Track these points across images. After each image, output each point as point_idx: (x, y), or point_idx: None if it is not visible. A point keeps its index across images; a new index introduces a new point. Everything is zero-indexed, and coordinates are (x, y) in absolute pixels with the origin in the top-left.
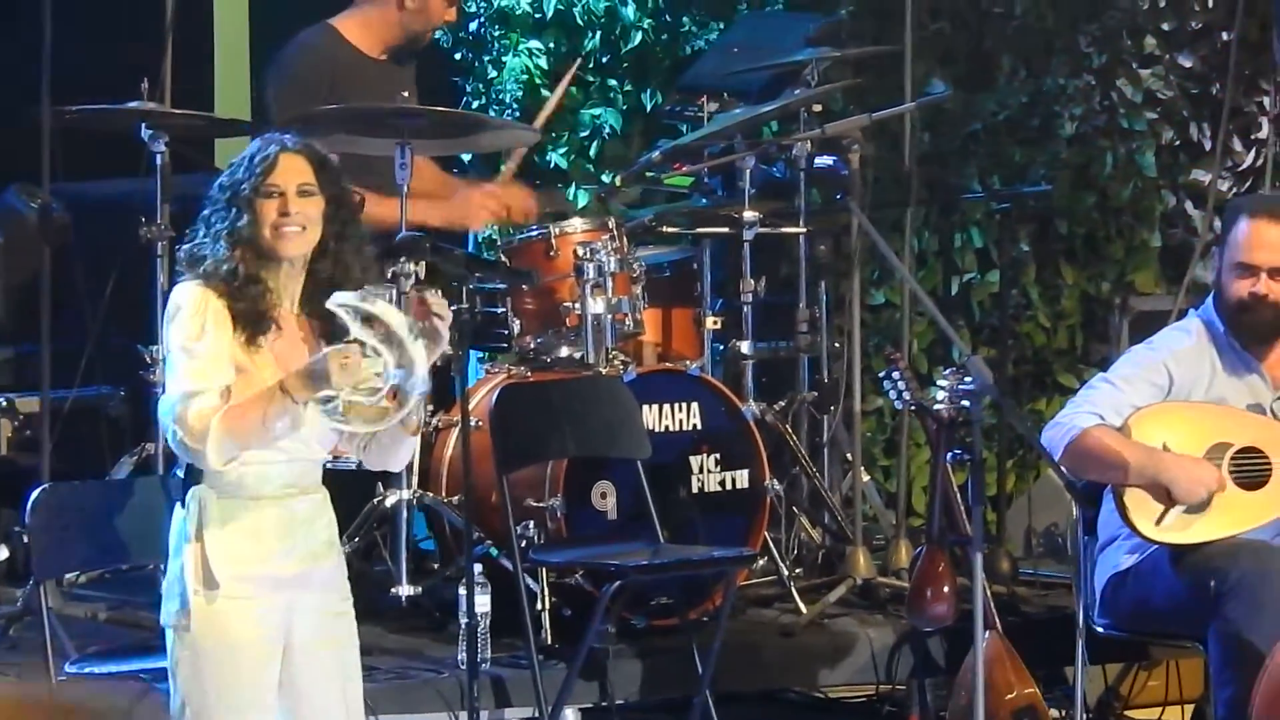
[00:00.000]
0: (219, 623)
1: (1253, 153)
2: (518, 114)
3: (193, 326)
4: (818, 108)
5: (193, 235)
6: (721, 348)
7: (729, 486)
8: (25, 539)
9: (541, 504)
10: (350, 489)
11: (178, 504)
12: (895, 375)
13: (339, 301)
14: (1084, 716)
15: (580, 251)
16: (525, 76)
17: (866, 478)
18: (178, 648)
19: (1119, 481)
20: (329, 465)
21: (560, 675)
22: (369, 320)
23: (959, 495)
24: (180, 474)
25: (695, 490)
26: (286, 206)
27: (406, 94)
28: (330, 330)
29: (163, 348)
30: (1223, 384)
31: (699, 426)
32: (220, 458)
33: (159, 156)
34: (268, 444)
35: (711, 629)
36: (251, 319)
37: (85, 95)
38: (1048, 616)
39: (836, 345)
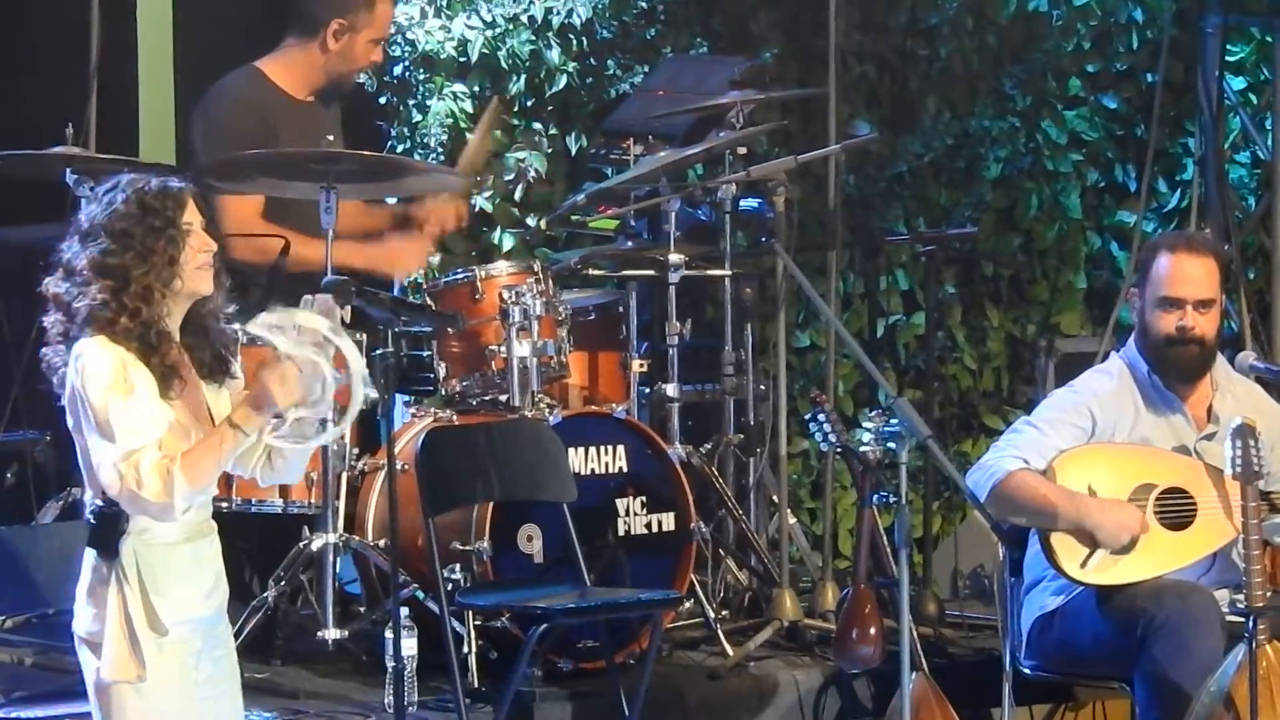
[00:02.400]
0: (166, 669)
1: (1178, 194)
2: (442, 157)
3: (117, 384)
4: (743, 150)
5: (77, 287)
6: (647, 390)
7: (655, 529)
8: None
9: (468, 547)
10: (276, 533)
11: (90, 553)
12: (821, 418)
13: (260, 323)
14: None
15: (506, 295)
16: (450, 120)
17: (793, 520)
18: (129, 699)
19: (1044, 525)
20: (255, 510)
21: (487, 718)
22: (291, 333)
23: (885, 537)
24: (92, 521)
25: (621, 533)
26: (204, 244)
27: (332, 137)
28: (202, 359)
29: (79, 406)
30: (1146, 425)
31: (625, 469)
32: (184, 506)
33: (83, 201)
34: None
35: (638, 672)
36: (165, 372)
37: (8, 140)
38: (974, 658)
39: (762, 388)
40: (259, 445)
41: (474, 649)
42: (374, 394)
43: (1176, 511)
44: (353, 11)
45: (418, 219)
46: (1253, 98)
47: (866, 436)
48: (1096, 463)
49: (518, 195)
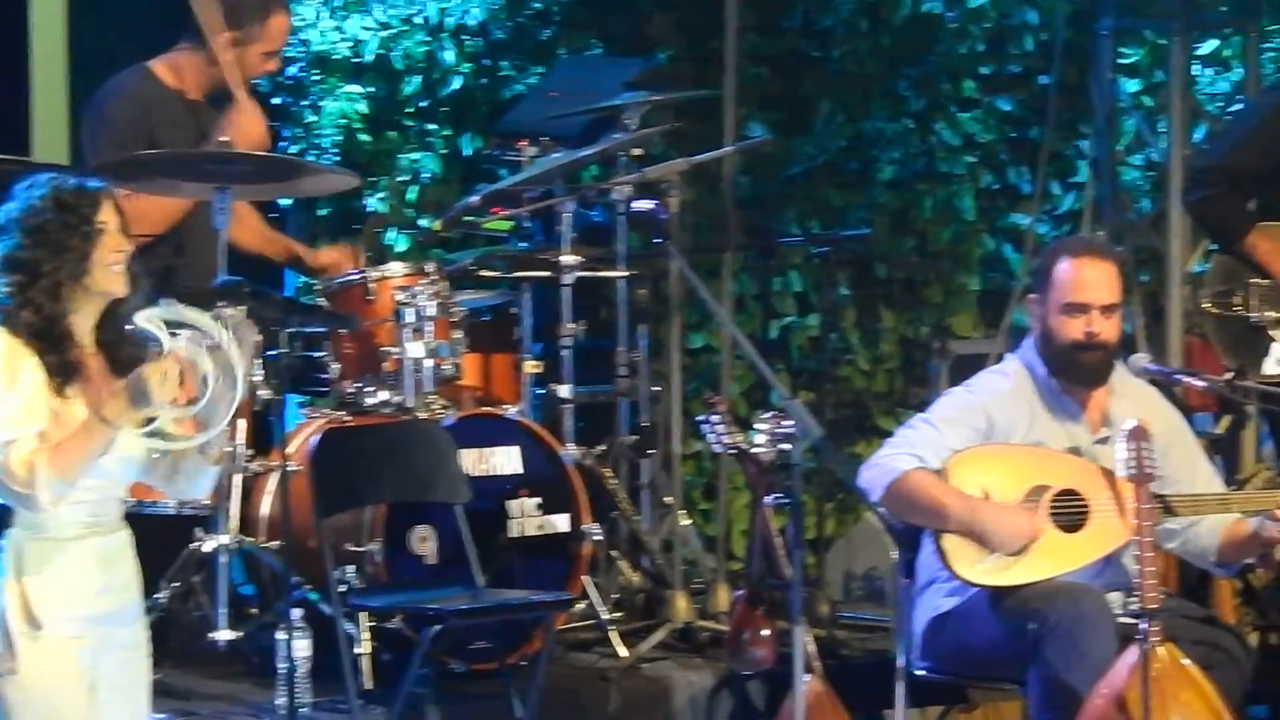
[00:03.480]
0: (46, 662)
1: (1071, 196)
2: (337, 158)
3: (4, 374)
4: (637, 152)
5: None
6: (541, 392)
7: (548, 530)
8: None
9: (361, 548)
10: (168, 533)
11: None
12: (714, 419)
13: (146, 317)
14: None
15: (399, 296)
16: (344, 121)
17: (686, 521)
18: (7, 689)
19: (937, 526)
20: (147, 510)
21: (380, 719)
22: (178, 331)
23: (778, 539)
24: None
25: (515, 534)
26: (118, 244)
27: (226, 138)
28: (117, 357)
29: None
30: (1042, 427)
31: (518, 471)
32: (52, 497)
33: None
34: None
35: (530, 673)
36: (65, 368)
37: None
38: (867, 659)
39: (656, 389)
40: (166, 456)
41: (367, 650)
42: (268, 394)
43: (1070, 514)
44: (243, 24)
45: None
46: (1146, 100)
47: (760, 438)
48: (991, 464)
49: (411, 196)
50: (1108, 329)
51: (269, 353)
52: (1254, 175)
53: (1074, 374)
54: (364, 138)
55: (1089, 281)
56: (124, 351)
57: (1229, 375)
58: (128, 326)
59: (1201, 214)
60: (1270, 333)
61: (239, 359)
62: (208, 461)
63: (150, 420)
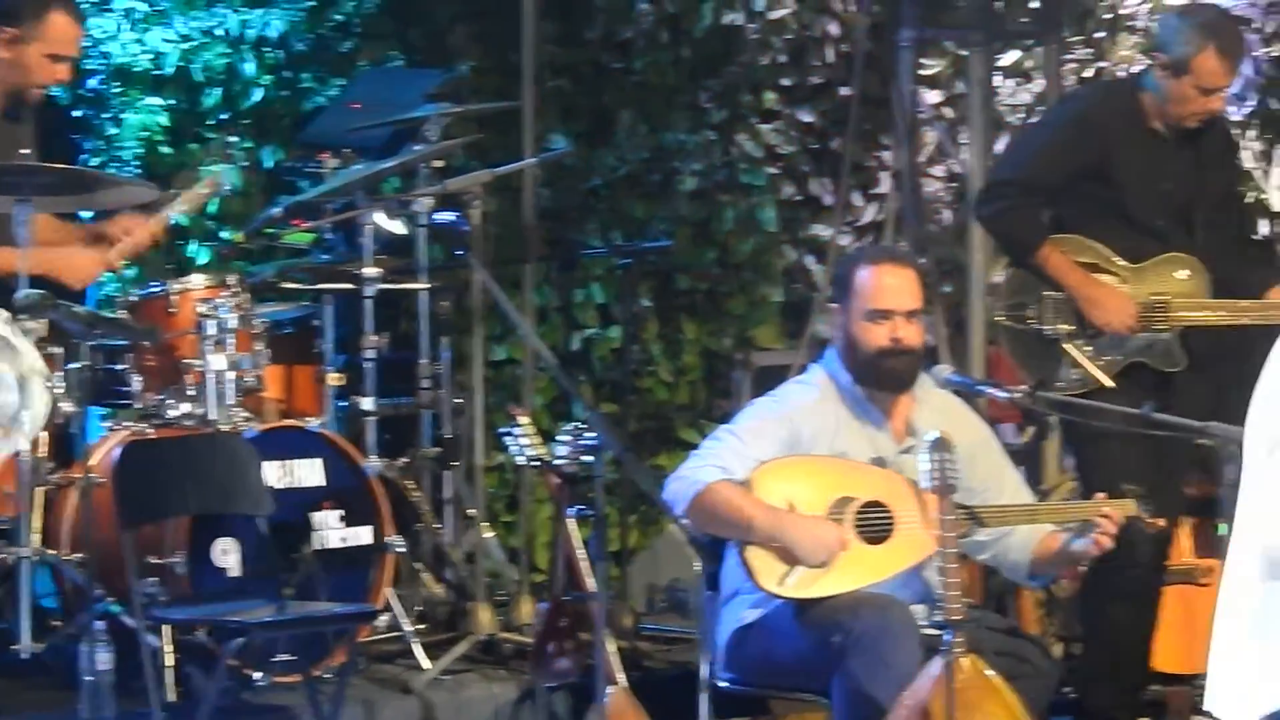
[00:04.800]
0: None
1: (873, 207)
2: (138, 171)
3: None
4: (439, 163)
5: None
6: (343, 404)
7: (351, 543)
8: None
9: (164, 561)
10: None
11: None
12: (517, 431)
13: None
14: None
15: (201, 308)
16: (145, 133)
17: (489, 533)
18: None
19: (743, 539)
20: None
21: None
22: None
23: (581, 550)
24: None
25: (318, 546)
26: None
27: (26, 151)
28: None
29: None
30: (846, 437)
31: (321, 483)
32: None
33: None
34: None
35: (334, 686)
36: None
37: None
38: (671, 671)
39: (458, 401)
40: None
41: (170, 663)
42: (69, 407)
43: (875, 525)
44: (21, 22)
45: (109, 235)
46: (947, 111)
47: (563, 450)
48: (796, 475)
49: (213, 208)
50: (912, 334)
51: (70, 365)
52: (1047, 188)
53: (881, 380)
54: (165, 150)
55: (891, 288)
56: None
57: (1030, 386)
58: None
59: (995, 227)
60: (1064, 345)
61: (42, 398)
62: None
63: None
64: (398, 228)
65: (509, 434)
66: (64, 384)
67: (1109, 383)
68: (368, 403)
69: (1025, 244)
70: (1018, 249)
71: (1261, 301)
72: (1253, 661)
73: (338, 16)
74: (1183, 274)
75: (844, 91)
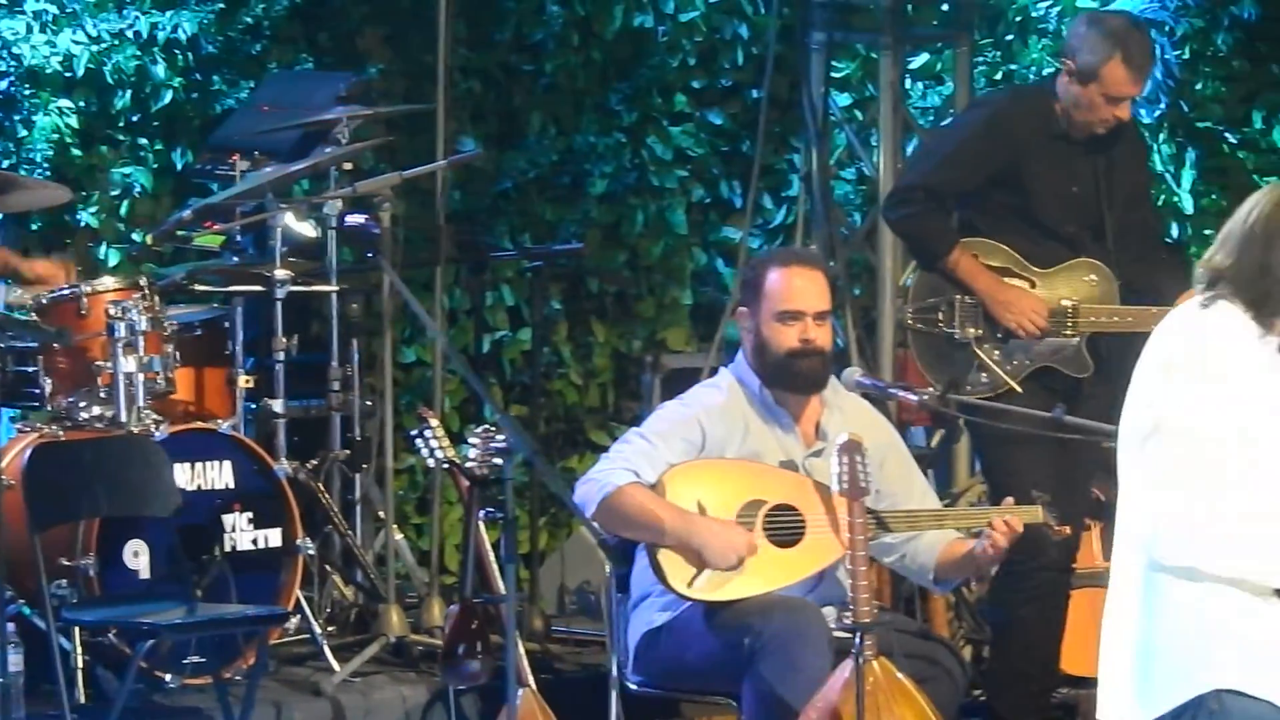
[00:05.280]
0: None
1: (783, 210)
2: (48, 173)
3: None
4: (349, 166)
5: None
6: (254, 406)
7: (261, 545)
8: None
9: (74, 563)
10: None
11: None
12: (427, 433)
13: None
14: None
15: (112, 310)
16: (56, 135)
17: (399, 536)
18: None
19: (653, 542)
20: None
21: None
22: None
23: (491, 553)
24: None
25: (228, 549)
26: None
27: None
28: None
29: None
30: (756, 440)
31: (231, 485)
32: None
33: None
34: None
35: (244, 688)
36: None
37: None
38: (581, 674)
39: (369, 403)
40: None
41: (81, 665)
42: None
43: (785, 529)
44: None
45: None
46: (858, 114)
47: (473, 452)
48: (706, 478)
49: (123, 210)
50: (821, 336)
51: None
52: (955, 193)
53: (791, 382)
54: (76, 152)
55: (799, 290)
56: None
57: (940, 390)
58: None
59: (903, 231)
60: (973, 349)
61: None
62: None
63: None
64: (308, 230)
65: (419, 436)
66: None
67: (1017, 387)
68: (278, 405)
69: (934, 248)
70: (926, 253)
71: (1170, 309)
72: (1139, 659)
73: (247, 19)
74: (1091, 279)
75: (754, 94)
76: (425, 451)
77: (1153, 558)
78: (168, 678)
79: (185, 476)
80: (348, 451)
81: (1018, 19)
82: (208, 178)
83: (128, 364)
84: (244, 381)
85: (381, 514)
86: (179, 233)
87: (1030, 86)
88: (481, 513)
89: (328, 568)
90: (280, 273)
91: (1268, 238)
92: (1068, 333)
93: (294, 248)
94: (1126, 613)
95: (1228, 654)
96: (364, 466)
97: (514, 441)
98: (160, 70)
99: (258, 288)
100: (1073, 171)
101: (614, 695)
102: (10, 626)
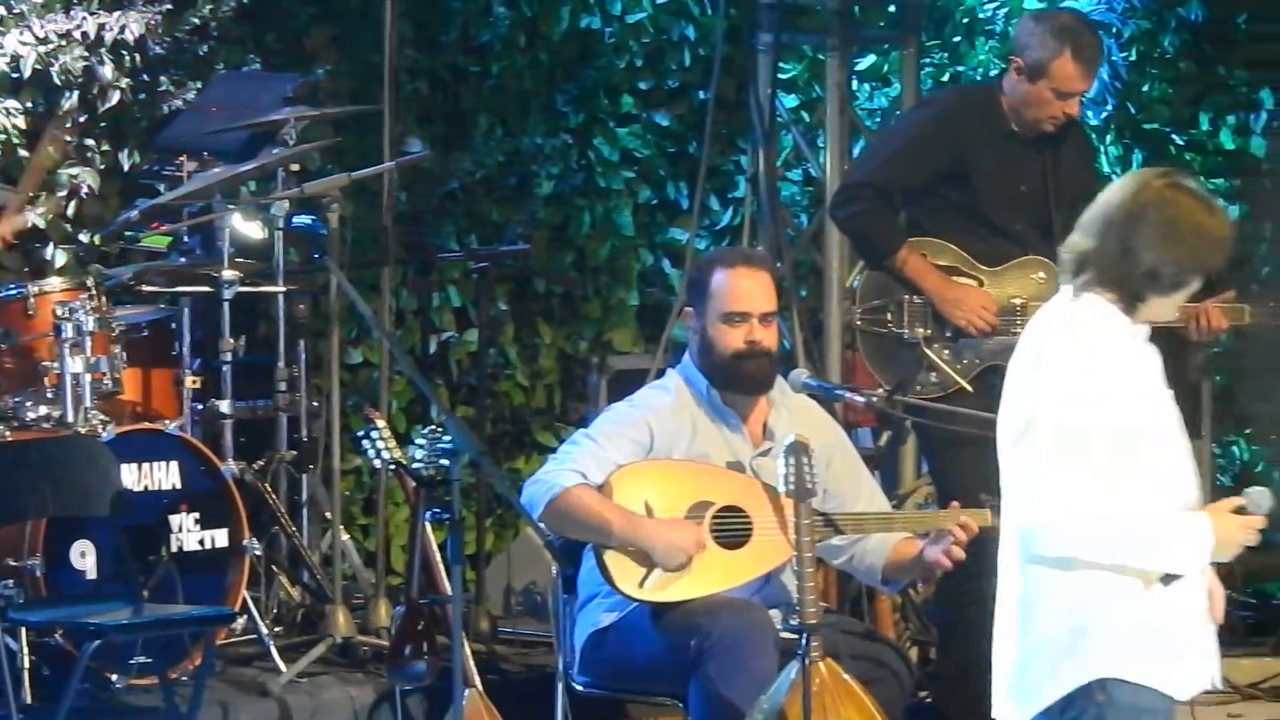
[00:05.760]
0: None
1: (730, 211)
2: None
3: None
4: (296, 167)
5: None
6: (200, 407)
7: (208, 545)
8: None
9: (20, 563)
10: None
11: None
12: (374, 434)
13: None
14: None
15: (59, 311)
16: (3, 136)
17: (346, 536)
18: None
19: (600, 542)
20: None
21: None
22: None
23: (438, 554)
24: None
25: (175, 549)
26: None
27: None
28: None
29: None
30: (704, 441)
31: (178, 486)
32: None
33: None
34: None
35: (191, 688)
36: None
37: None
38: (528, 675)
39: (315, 404)
40: None
41: (27, 665)
42: None
43: (733, 530)
44: None
45: None
46: (805, 115)
47: (419, 453)
48: (653, 479)
49: (71, 211)
50: (767, 336)
51: None
52: (902, 191)
53: (738, 383)
54: (23, 154)
55: (745, 291)
56: None
57: (887, 390)
58: None
59: (850, 230)
60: (924, 349)
61: None
62: None
63: None
64: (255, 231)
65: (366, 437)
66: None
67: (967, 386)
68: (225, 405)
69: (881, 246)
70: (874, 251)
71: None
72: (1022, 654)
73: (195, 20)
74: (1040, 276)
75: (701, 95)
76: (372, 452)
77: (1030, 551)
78: (114, 678)
79: (132, 477)
80: (294, 452)
81: (965, 20)
82: (155, 178)
83: (75, 364)
84: (191, 382)
85: (328, 515)
86: (126, 233)
87: (977, 85)
88: (428, 514)
89: (274, 568)
90: (227, 273)
91: (1129, 220)
92: (1017, 330)
93: (241, 248)
94: (1009, 607)
95: (1108, 643)
96: (311, 467)
97: (460, 442)
98: (108, 71)
99: (205, 289)
100: (1020, 170)
101: (560, 696)
102: None
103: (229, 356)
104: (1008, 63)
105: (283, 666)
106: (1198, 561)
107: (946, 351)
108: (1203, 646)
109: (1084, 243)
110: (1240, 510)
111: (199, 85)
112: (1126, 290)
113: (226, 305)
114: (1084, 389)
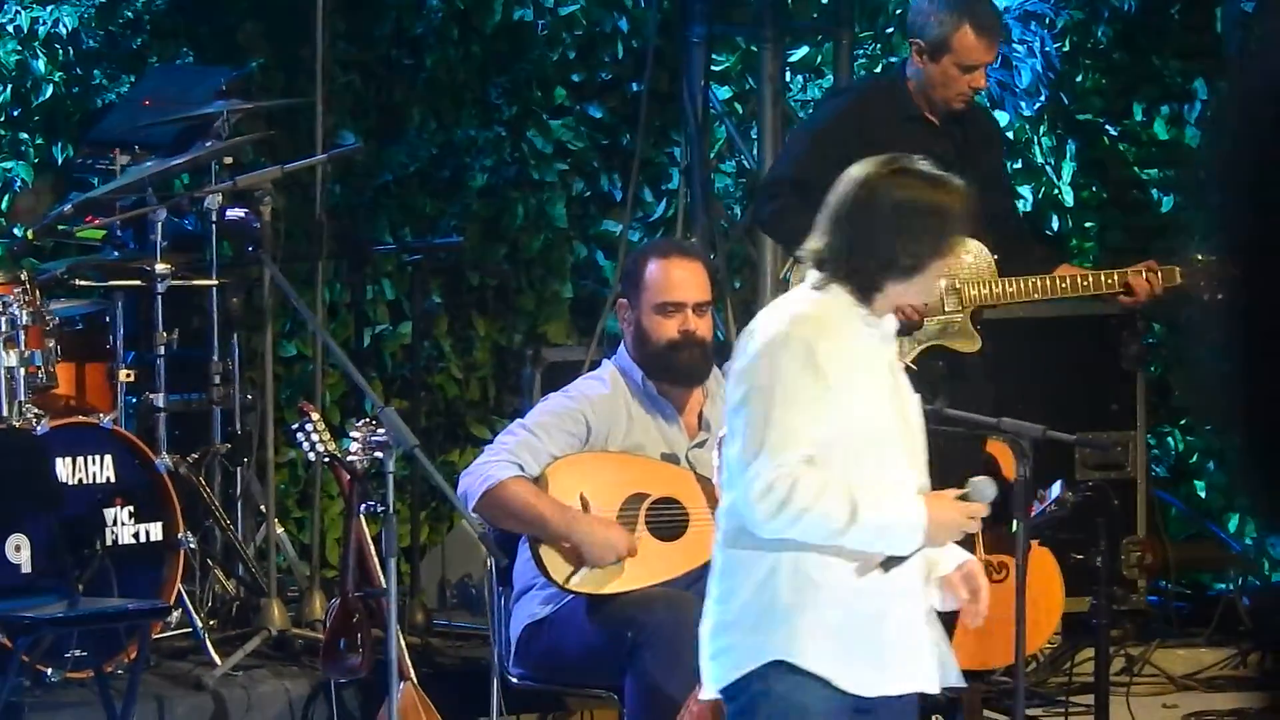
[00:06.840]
0: None
1: (663, 204)
2: None
3: None
4: (229, 160)
5: None
6: (134, 400)
7: (143, 539)
8: None
9: None
10: None
11: None
12: (308, 427)
13: None
14: None
15: None
16: None
17: (280, 530)
18: None
19: (535, 535)
20: None
21: None
22: None
23: (372, 547)
24: None
25: (109, 542)
26: None
27: None
28: None
29: None
30: (640, 432)
31: (112, 479)
32: None
33: None
34: None
35: (126, 682)
36: None
37: None
38: (463, 667)
39: (249, 397)
40: None
41: None
42: None
43: (669, 522)
44: None
45: None
46: (738, 107)
47: (353, 446)
48: (589, 471)
49: (3, 205)
50: (701, 326)
51: None
52: (821, 184)
53: (673, 374)
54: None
55: (679, 281)
56: None
57: None
58: None
59: (774, 229)
60: None
61: None
62: None
63: None
64: (188, 224)
65: (300, 430)
66: None
67: (912, 365)
68: (159, 399)
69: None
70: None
71: (1050, 275)
72: (714, 634)
73: (128, 13)
74: (968, 257)
75: (634, 88)
76: (306, 445)
77: (725, 531)
78: (49, 671)
79: (66, 470)
80: (229, 445)
81: (898, 11)
82: (88, 172)
83: (9, 358)
84: (125, 375)
85: (263, 508)
86: (60, 227)
87: (882, 74)
88: (362, 506)
89: (209, 561)
90: (160, 267)
91: (857, 212)
92: (950, 309)
93: (174, 242)
94: (710, 589)
95: (784, 627)
96: (245, 460)
97: (395, 435)
98: (41, 65)
99: (138, 282)
100: (929, 153)
101: (495, 688)
102: None
103: (163, 350)
104: (909, 45)
105: (217, 660)
106: (910, 542)
107: None
108: (912, 648)
109: (816, 243)
110: (964, 499)
111: (132, 79)
112: (859, 281)
113: (160, 299)
114: (803, 375)
